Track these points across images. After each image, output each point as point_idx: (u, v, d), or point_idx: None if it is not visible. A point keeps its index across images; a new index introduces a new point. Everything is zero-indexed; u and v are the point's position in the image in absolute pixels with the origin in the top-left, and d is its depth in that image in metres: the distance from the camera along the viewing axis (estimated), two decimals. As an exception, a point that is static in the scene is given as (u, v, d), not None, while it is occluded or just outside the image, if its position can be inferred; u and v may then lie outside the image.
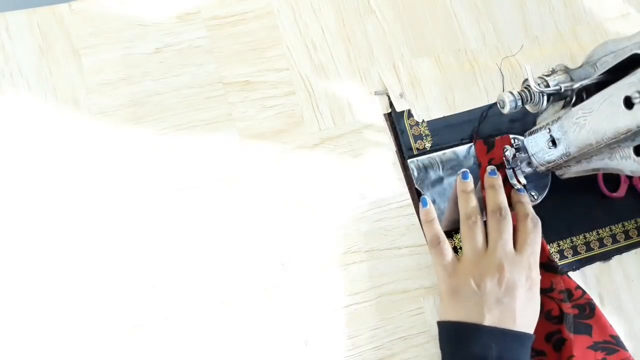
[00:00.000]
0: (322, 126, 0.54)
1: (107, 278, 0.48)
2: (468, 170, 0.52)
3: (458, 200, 0.51)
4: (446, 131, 0.55)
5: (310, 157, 0.53)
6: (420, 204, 0.51)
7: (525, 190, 0.52)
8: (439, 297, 0.48)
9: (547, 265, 0.50)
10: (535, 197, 0.54)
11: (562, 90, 0.42)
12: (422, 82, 0.56)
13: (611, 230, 0.54)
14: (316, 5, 0.56)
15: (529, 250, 0.47)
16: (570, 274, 0.52)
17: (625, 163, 0.40)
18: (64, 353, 0.46)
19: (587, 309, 0.49)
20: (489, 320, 0.44)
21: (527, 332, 0.45)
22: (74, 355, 0.46)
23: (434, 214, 0.51)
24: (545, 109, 0.46)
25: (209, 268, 0.49)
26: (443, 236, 0.49)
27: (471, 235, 0.48)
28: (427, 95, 0.55)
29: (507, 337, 0.44)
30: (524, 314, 0.45)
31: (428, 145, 0.54)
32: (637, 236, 0.54)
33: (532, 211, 0.50)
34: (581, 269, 0.53)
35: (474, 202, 0.50)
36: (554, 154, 0.46)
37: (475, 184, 0.53)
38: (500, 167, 0.53)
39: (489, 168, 0.52)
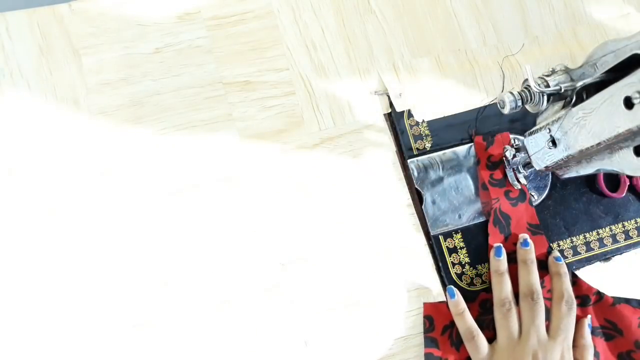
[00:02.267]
0: (322, 126, 0.54)
1: (107, 277, 0.48)
2: (502, 246, 0.50)
3: (491, 280, 0.50)
4: (446, 131, 0.55)
5: (310, 157, 0.53)
6: (448, 296, 0.49)
7: (562, 259, 0.50)
8: None
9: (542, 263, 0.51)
10: (535, 197, 0.54)
11: (562, 90, 0.42)
12: (422, 83, 0.56)
13: (611, 230, 0.54)
14: (316, 5, 0.56)
15: (562, 335, 0.46)
16: (570, 274, 0.52)
17: (625, 163, 0.40)
18: (65, 353, 0.46)
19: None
20: None
21: None
22: (75, 354, 0.46)
23: (464, 305, 0.49)
24: (545, 109, 0.46)
25: (209, 268, 0.49)
26: (477, 329, 0.48)
27: (505, 324, 0.47)
28: (427, 96, 0.55)
29: None
30: None
31: (428, 145, 0.54)
32: (637, 236, 0.54)
33: (568, 289, 0.49)
34: (581, 269, 0.53)
35: (507, 286, 0.48)
36: (554, 154, 0.46)
37: (474, 182, 0.53)
38: (500, 164, 0.53)
39: (521, 238, 0.50)
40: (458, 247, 0.52)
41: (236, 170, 0.51)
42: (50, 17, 0.52)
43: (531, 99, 0.43)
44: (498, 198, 0.52)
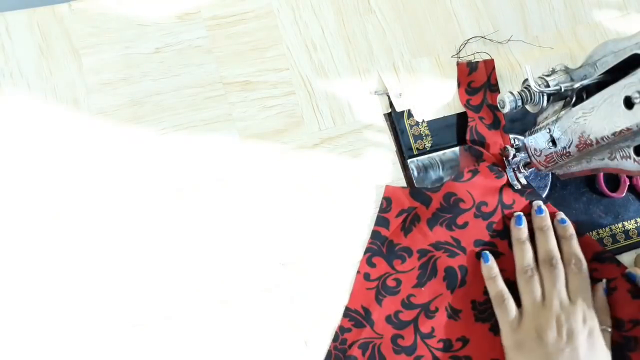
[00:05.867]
0: (322, 126, 0.54)
1: (107, 277, 0.48)
2: (522, 215, 0.50)
3: (513, 248, 0.50)
4: (446, 131, 0.55)
5: (310, 157, 0.53)
6: (482, 260, 0.50)
7: (567, 221, 0.50)
8: (505, 351, 0.48)
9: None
10: (536, 197, 0.54)
11: (562, 90, 0.42)
12: (422, 83, 0.56)
13: (611, 230, 0.54)
14: (316, 5, 0.56)
15: (580, 297, 0.47)
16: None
17: (625, 163, 0.40)
18: (65, 352, 0.46)
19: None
20: None
21: None
22: (76, 354, 0.46)
23: (497, 270, 0.49)
24: (545, 109, 0.46)
25: (209, 268, 0.49)
26: (507, 293, 0.49)
27: (528, 290, 0.48)
28: (427, 96, 0.55)
29: None
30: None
31: (428, 145, 0.54)
32: (637, 236, 0.54)
33: (576, 250, 0.49)
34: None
35: (529, 253, 0.49)
36: (554, 154, 0.46)
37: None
38: (479, 91, 0.54)
39: (535, 205, 0.51)
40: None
41: (236, 170, 0.51)
42: (50, 17, 0.52)
43: (531, 99, 0.43)
44: (474, 118, 0.54)
